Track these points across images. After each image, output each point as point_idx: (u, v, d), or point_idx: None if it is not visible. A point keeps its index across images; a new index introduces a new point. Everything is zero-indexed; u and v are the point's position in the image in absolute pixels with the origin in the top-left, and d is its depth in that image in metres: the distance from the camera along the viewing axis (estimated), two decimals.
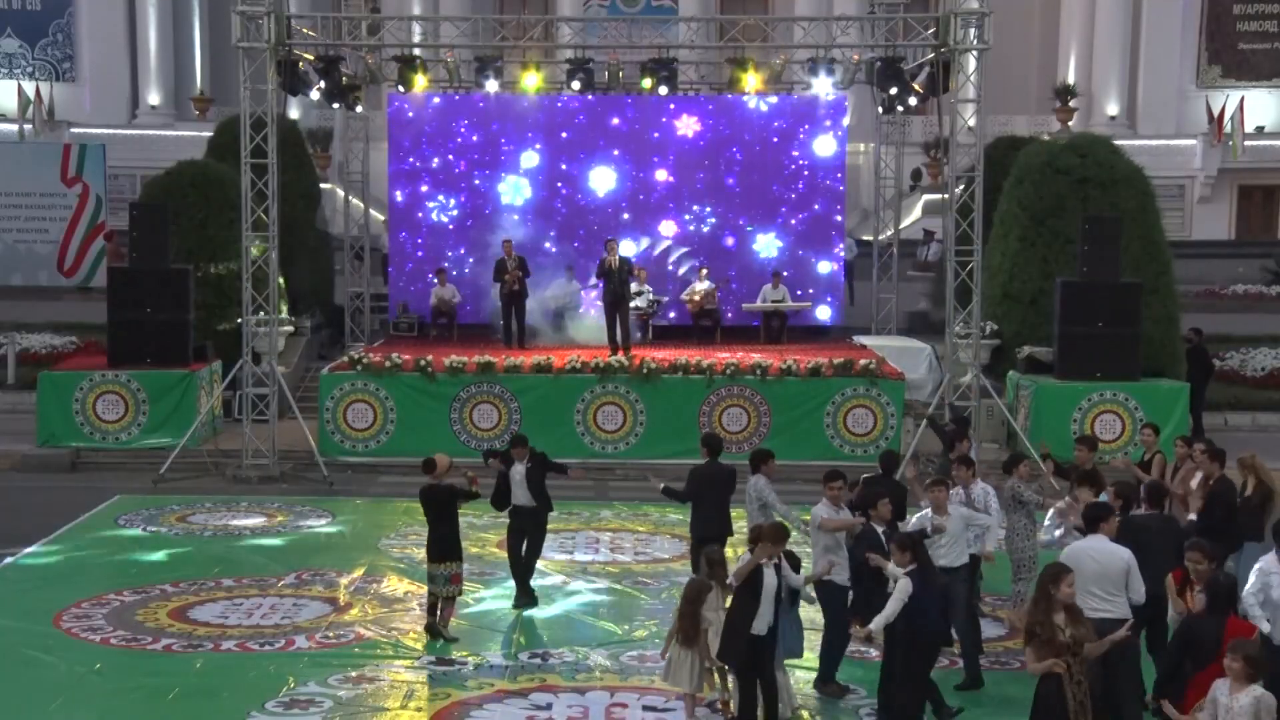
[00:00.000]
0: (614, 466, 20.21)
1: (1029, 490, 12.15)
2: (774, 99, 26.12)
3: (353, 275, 26.86)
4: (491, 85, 23.60)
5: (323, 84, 22.63)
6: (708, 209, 26.25)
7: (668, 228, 26.20)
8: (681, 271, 26.05)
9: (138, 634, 12.24)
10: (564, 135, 26.22)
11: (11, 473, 19.83)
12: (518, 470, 13.05)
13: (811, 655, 11.12)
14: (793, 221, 26.19)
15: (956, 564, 11.00)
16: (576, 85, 23.02)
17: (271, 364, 20.20)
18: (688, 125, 26.22)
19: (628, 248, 24.44)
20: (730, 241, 26.26)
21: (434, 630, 12.17)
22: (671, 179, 26.19)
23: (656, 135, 26.18)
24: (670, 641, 10.10)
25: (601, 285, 22.25)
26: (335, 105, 25.34)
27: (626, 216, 26.12)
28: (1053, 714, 8.31)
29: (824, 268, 26.19)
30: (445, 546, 12.14)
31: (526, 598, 13.23)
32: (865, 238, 29.06)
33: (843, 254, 26.74)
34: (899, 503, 11.81)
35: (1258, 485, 12.04)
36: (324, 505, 17.89)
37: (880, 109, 25.89)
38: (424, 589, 13.01)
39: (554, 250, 25.64)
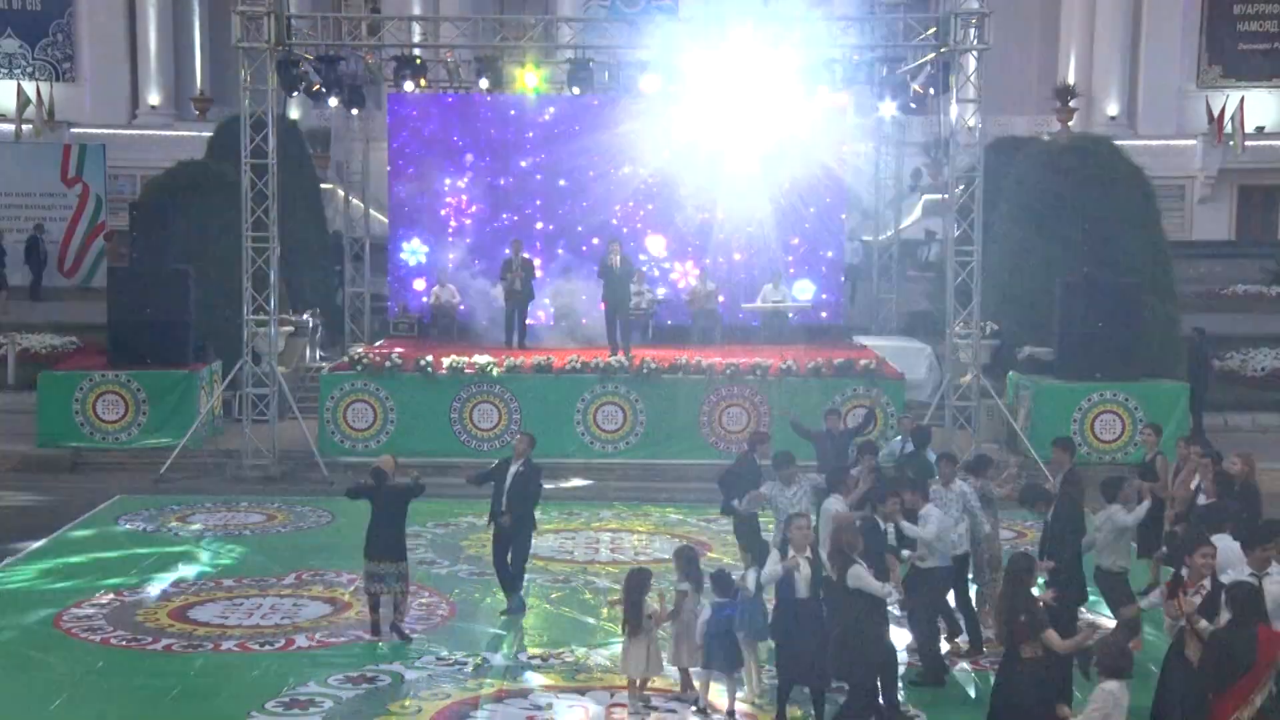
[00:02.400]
0: (614, 467, 20.22)
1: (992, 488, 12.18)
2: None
3: (353, 275, 26.83)
4: (490, 85, 23.58)
5: (323, 84, 22.60)
6: (708, 209, 26.25)
7: (668, 228, 26.22)
8: (684, 274, 26.09)
9: (138, 634, 12.24)
10: (563, 135, 26.20)
11: (11, 473, 19.83)
12: (512, 470, 12.90)
13: None
14: (793, 222, 26.19)
15: (931, 565, 11.07)
16: (577, 90, 22.98)
17: (271, 364, 20.19)
18: (687, 125, 26.20)
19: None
20: (730, 242, 26.25)
21: (377, 628, 12.18)
22: (672, 179, 26.17)
23: (656, 135, 26.17)
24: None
25: (602, 285, 22.20)
26: (335, 104, 25.25)
27: (626, 216, 26.12)
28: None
29: (824, 268, 26.22)
30: (396, 546, 12.26)
31: (514, 604, 13.10)
32: (865, 238, 29.07)
33: (852, 256, 26.83)
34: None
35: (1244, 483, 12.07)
36: (324, 505, 17.88)
37: (880, 109, 25.86)
38: (424, 589, 13.07)
39: (551, 250, 25.63)
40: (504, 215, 26.07)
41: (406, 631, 12.21)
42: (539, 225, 26.00)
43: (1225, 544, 9.59)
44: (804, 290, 25.93)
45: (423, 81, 23.58)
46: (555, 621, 12.90)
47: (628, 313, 22.19)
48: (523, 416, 20.16)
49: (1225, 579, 8.82)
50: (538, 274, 23.74)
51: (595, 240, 25.41)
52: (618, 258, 21.83)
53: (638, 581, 10.40)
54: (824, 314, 26.01)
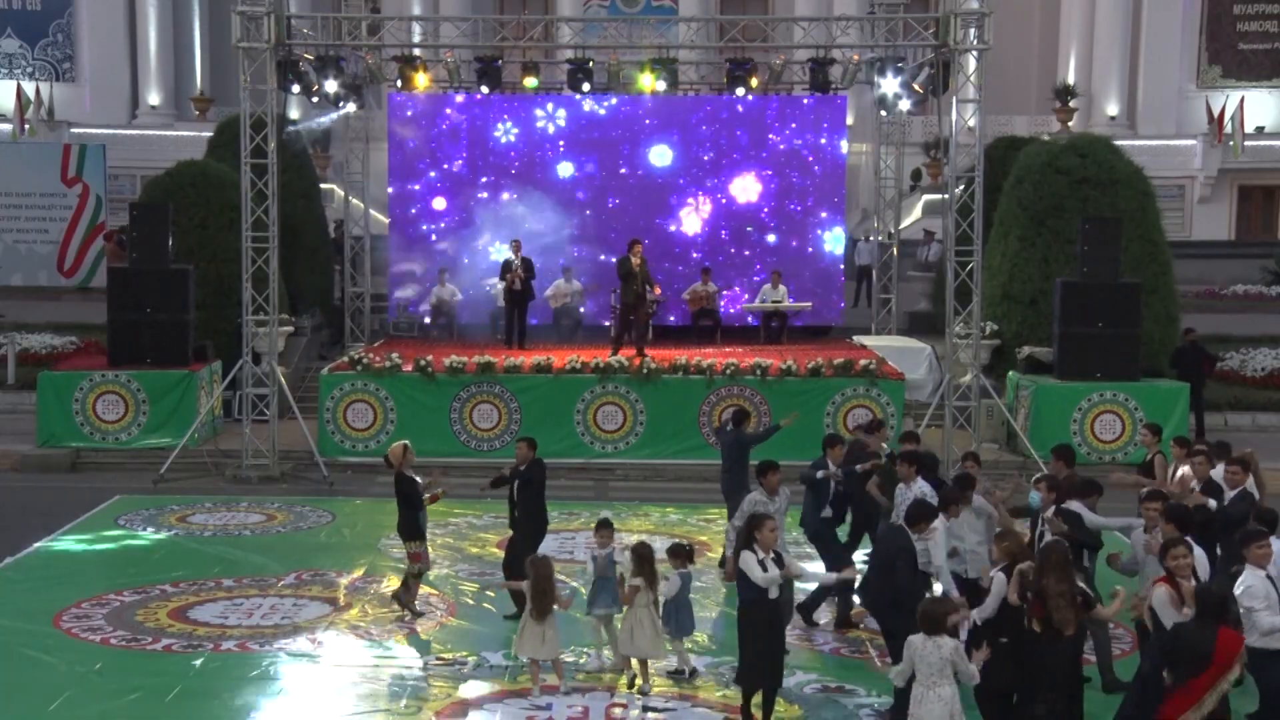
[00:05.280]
0: (614, 466, 20.22)
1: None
2: (774, 99, 26.17)
3: (353, 275, 26.83)
4: (491, 85, 23.60)
5: (326, 84, 22.60)
6: (708, 209, 26.27)
7: (668, 227, 26.24)
8: (683, 274, 26.10)
9: (138, 634, 12.24)
10: (563, 135, 26.23)
11: (11, 473, 19.84)
12: (519, 475, 12.85)
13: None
14: (793, 222, 26.22)
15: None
16: (587, 87, 22.94)
17: (272, 364, 20.19)
18: (688, 126, 26.25)
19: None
20: (731, 242, 26.28)
21: (400, 601, 12.81)
22: (671, 179, 26.20)
23: (656, 136, 26.20)
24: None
25: (621, 285, 21.92)
26: (337, 105, 25.28)
27: (626, 216, 26.11)
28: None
29: (824, 268, 26.25)
30: (405, 529, 12.81)
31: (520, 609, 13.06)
32: (877, 238, 29.09)
33: (868, 255, 26.81)
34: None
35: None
36: (324, 505, 17.89)
37: (880, 109, 25.90)
38: (424, 589, 13.09)
39: (553, 250, 25.64)
40: (503, 215, 26.05)
41: (413, 608, 12.80)
42: (539, 225, 25.98)
43: None
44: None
45: (423, 81, 23.59)
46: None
47: (645, 313, 22.06)
48: (523, 416, 20.15)
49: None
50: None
51: (595, 240, 25.42)
52: (638, 259, 21.55)
53: (549, 569, 10.87)
54: (810, 305, 26.01)
